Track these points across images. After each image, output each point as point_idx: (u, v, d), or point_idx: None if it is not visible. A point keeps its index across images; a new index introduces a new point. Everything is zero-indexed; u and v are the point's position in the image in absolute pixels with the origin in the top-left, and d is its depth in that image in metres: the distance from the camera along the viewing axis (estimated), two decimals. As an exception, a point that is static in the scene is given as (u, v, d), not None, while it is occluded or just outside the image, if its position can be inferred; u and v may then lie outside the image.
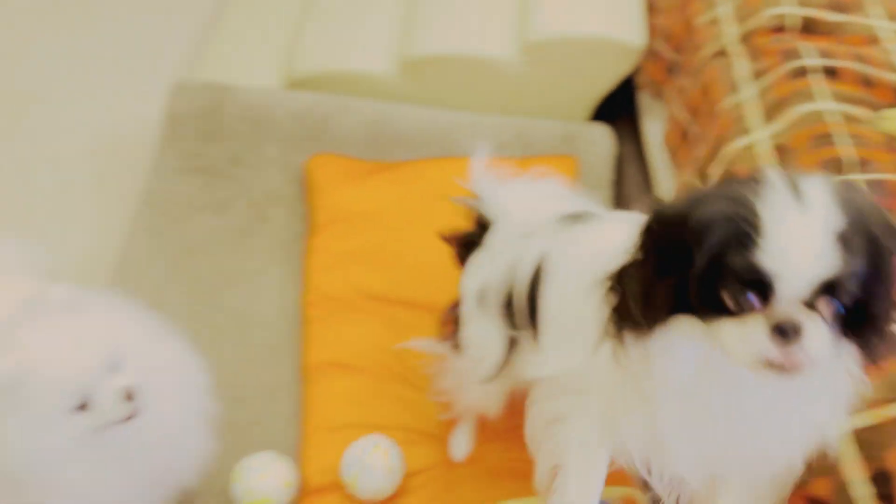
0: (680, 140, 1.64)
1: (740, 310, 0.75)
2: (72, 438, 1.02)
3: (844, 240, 0.72)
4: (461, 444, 1.41)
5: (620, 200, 1.87)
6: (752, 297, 0.74)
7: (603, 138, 1.90)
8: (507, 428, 1.37)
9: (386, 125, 1.85)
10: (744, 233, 0.73)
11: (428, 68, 1.92)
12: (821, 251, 0.72)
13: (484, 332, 1.20)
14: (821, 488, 1.04)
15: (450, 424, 1.43)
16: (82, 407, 1.01)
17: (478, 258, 1.23)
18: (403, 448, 1.38)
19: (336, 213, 1.70)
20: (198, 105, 1.84)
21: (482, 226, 1.24)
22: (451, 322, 1.34)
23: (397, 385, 1.46)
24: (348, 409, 1.43)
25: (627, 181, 1.90)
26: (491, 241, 1.20)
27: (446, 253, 1.57)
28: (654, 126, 1.88)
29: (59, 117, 2.11)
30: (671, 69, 1.76)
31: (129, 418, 1.03)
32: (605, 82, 1.93)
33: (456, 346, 1.30)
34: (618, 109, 2.03)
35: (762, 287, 0.73)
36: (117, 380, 1.01)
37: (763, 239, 0.72)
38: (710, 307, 0.76)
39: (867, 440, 1.01)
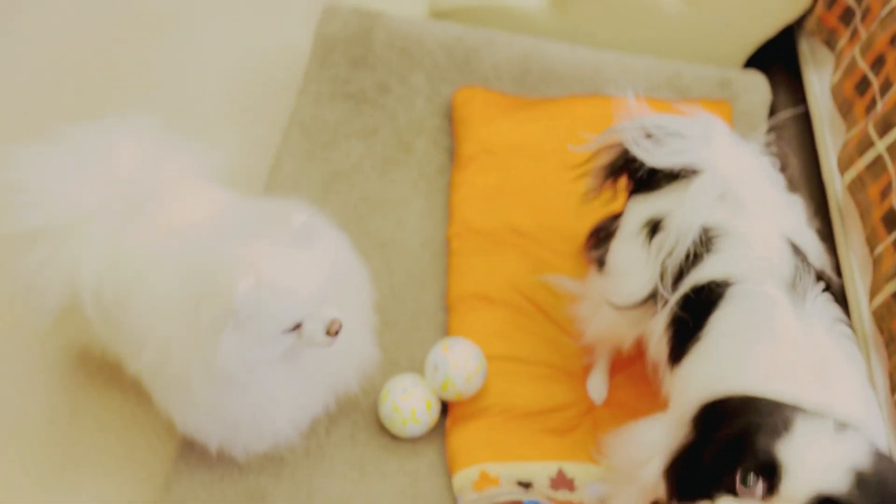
0: (854, 91, 1.54)
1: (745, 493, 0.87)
2: (279, 352, 1.08)
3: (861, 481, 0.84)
4: (598, 386, 1.42)
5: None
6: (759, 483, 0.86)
7: (759, 85, 1.82)
8: (641, 374, 1.37)
9: (535, 61, 1.81)
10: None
11: (580, 3, 1.86)
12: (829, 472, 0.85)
13: (636, 256, 1.21)
14: None
15: (588, 369, 1.44)
16: (295, 328, 1.07)
17: (661, 189, 1.21)
18: (545, 384, 1.39)
19: (482, 147, 1.68)
20: (347, 30, 1.84)
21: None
22: (599, 238, 1.33)
23: (539, 321, 1.47)
24: (491, 341, 1.44)
25: (782, 129, 1.81)
26: (689, 184, 1.18)
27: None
28: (817, 76, 1.77)
29: (209, 40, 2.15)
30: (847, 15, 1.64)
31: (329, 345, 1.09)
32: (768, 27, 1.83)
33: (600, 263, 1.30)
34: (773, 57, 1.93)
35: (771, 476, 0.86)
36: (326, 311, 1.08)
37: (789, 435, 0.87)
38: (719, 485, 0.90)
39: None
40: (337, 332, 1.08)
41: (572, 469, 1.31)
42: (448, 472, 1.34)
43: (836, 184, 1.58)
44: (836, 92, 1.60)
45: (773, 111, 1.85)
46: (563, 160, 1.63)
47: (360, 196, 1.68)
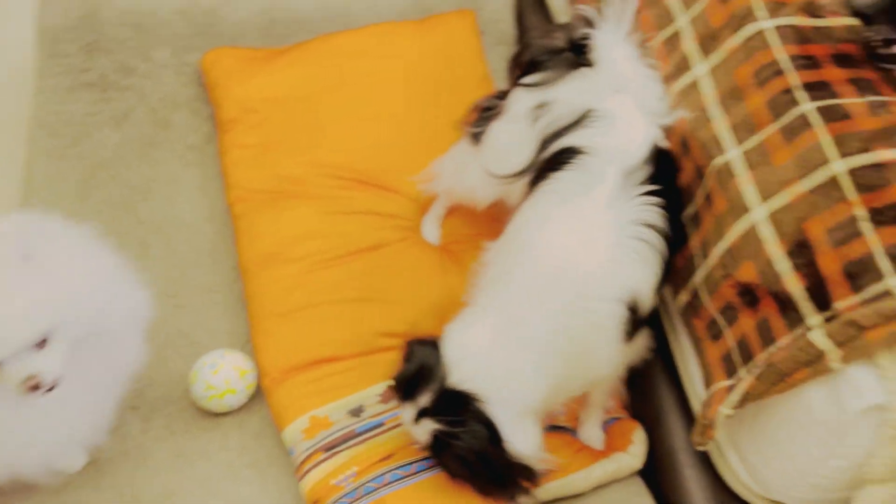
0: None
1: None
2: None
3: None
4: (432, 230, 1.51)
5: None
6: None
7: (501, -9, 1.88)
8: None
9: (279, 10, 1.77)
10: None
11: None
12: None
13: (520, 136, 1.27)
14: (747, 272, 1.11)
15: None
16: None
17: (555, 77, 1.26)
18: (355, 319, 1.40)
19: (242, 107, 1.63)
20: (71, 16, 1.71)
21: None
22: (481, 117, 1.39)
23: (341, 257, 1.46)
24: (296, 295, 1.42)
25: (532, 32, 1.88)
26: (583, 74, 1.25)
27: (371, 125, 1.57)
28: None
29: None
30: None
31: (31, 397, 0.92)
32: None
33: (476, 137, 1.37)
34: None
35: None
36: (31, 361, 0.90)
37: None
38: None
39: (782, 219, 1.07)
40: (37, 388, 0.90)
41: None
42: (277, 434, 1.33)
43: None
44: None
45: (521, 14, 1.92)
46: (333, 99, 1.64)
47: (126, 185, 1.60)
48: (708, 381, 1.20)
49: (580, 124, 1.21)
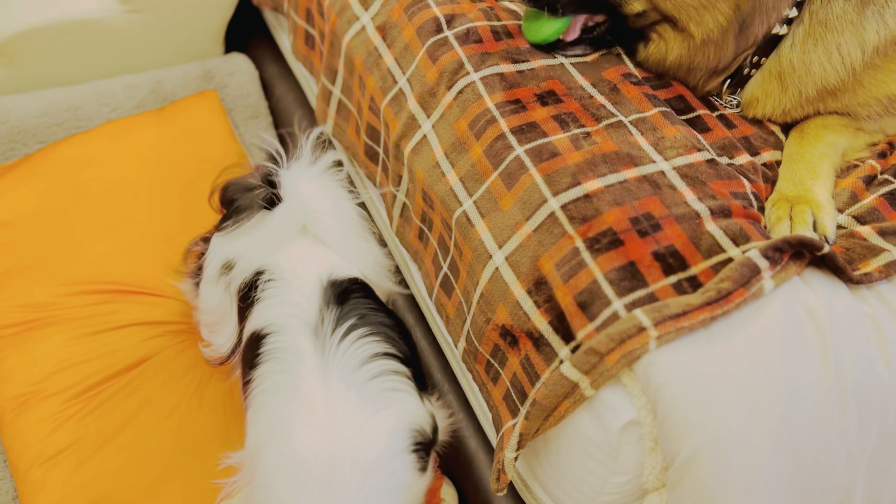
0: (306, 47, 1.63)
1: None
2: None
3: None
4: None
5: (281, 120, 1.85)
6: None
7: (242, 65, 1.86)
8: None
9: (-3, 123, 1.63)
10: None
11: (21, 48, 1.70)
12: None
13: (220, 300, 1.20)
14: (502, 315, 1.14)
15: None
16: None
17: (246, 218, 1.19)
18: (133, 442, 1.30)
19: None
20: None
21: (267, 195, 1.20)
22: (196, 267, 1.30)
23: (112, 387, 1.36)
24: (60, 434, 1.30)
25: (284, 100, 1.87)
26: (270, 216, 1.18)
27: (123, 230, 1.48)
28: (286, 40, 1.85)
29: None
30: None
31: None
32: (222, 8, 1.85)
33: (197, 285, 1.28)
34: (256, 29, 1.97)
35: None
36: None
37: None
38: None
39: (518, 261, 1.12)
40: None
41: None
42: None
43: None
44: (295, 52, 1.68)
45: (272, 84, 1.90)
46: (75, 212, 1.53)
47: None
48: (497, 424, 1.22)
49: (257, 292, 1.13)
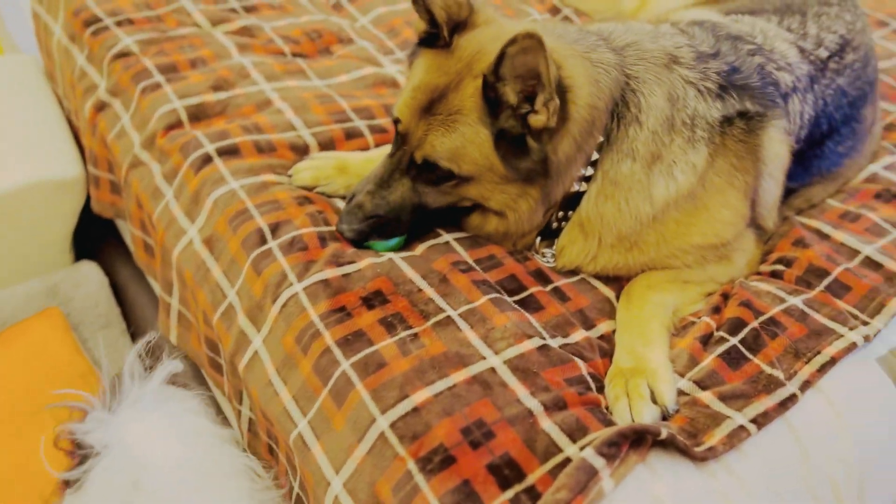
0: (147, 255, 1.58)
1: None
2: None
3: None
4: None
5: (137, 324, 1.77)
6: None
7: (90, 273, 1.79)
8: None
9: None
10: None
11: None
12: None
13: None
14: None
15: None
16: None
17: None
18: None
19: None
20: None
21: None
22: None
23: None
24: None
25: (138, 303, 1.80)
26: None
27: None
28: (135, 244, 1.81)
29: None
30: (115, 188, 1.69)
31: None
32: (66, 221, 1.80)
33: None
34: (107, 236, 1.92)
35: None
36: None
37: None
38: None
39: (355, 487, 1.04)
40: None
41: None
42: None
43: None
44: (138, 260, 1.63)
45: (123, 288, 1.83)
46: None
47: None
48: None
49: None
